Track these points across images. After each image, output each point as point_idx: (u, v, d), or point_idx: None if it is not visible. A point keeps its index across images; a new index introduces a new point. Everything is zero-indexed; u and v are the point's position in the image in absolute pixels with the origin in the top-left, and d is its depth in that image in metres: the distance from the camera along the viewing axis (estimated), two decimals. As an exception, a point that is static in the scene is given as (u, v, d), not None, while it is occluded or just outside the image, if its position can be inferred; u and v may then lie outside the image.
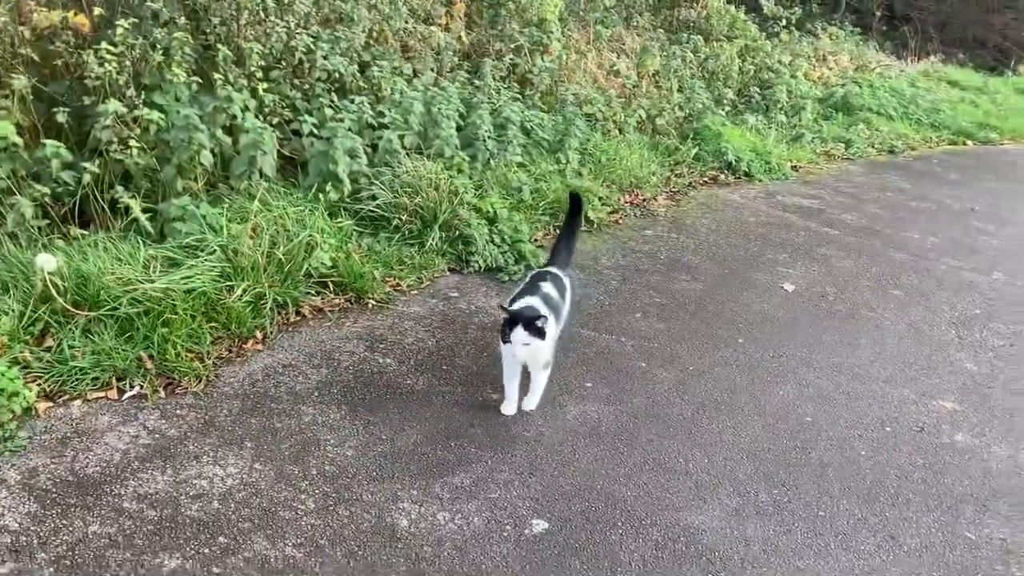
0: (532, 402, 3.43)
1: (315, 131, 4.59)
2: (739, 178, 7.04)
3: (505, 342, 3.11)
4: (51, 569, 2.36)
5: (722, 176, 6.99)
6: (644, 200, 6.20)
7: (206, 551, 2.50)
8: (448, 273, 4.59)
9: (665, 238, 5.59)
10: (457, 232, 4.66)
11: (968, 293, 5.24)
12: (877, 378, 4.06)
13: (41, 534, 2.48)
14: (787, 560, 2.79)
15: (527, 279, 3.60)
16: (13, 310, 3.21)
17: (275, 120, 4.70)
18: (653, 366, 3.94)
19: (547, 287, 3.44)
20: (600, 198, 5.77)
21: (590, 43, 8.00)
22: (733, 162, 7.07)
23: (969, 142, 9.59)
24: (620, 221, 5.79)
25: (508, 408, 3.38)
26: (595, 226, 5.56)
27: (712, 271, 5.14)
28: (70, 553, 2.43)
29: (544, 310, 3.22)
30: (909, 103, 10.12)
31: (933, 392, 3.99)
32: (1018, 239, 6.41)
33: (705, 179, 6.90)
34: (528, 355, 3.16)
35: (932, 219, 6.70)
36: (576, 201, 4.10)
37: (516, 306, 3.23)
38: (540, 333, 3.08)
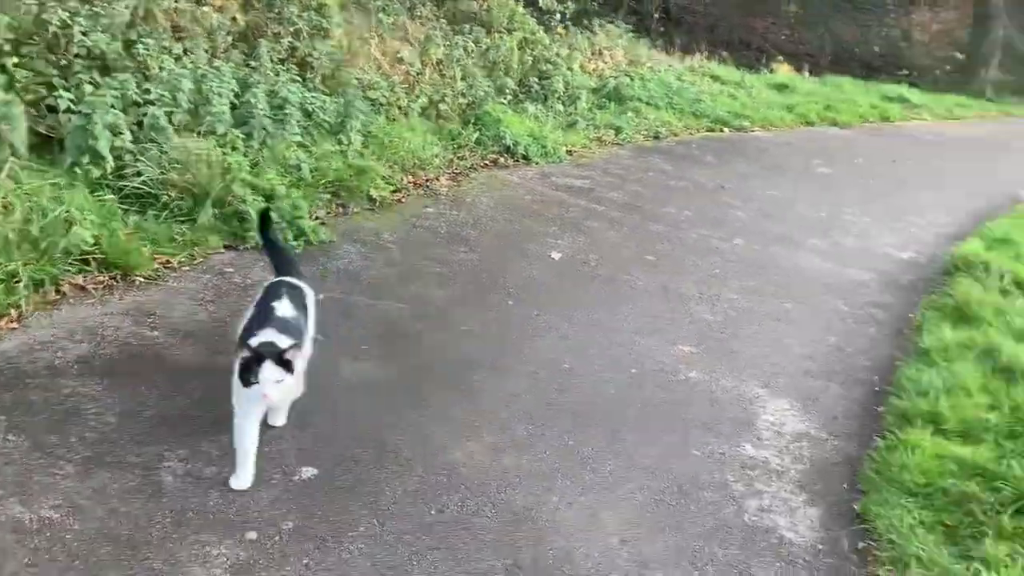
0: (281, 417, 3.11)
1: (72, 107, 4.42)
2: (517, 161, 7.45)
3: (250, 384, 2.63)
4: None
5: (502, 159, 7.37)
6: (427, 180, 6.43)
7: (-50, 520, 2.43)
8: (224, 250, 4.57)
9: (446, 215, 5.85)
10: (232, 208, 4.66)
11: (712, 257, 5.90)
12: (628, 330, 4.52)
13: None
14: (537, 482, 3.11)
15: (260, 296, 3.14)
16: None
17: (28, 96, 4.47)
18: (428, 328, 4.17)
19: (283, 307, 2.97)
20: (383, 178, 5.93)
21: (372, 30, 8.13)
22: (512, 146, 7.46)
23: (725, 129, 10.62)
24: (403, 200, 5.99)
25: (243, 480, 2.78)
26: (378, 204, 5.72)
27: (488, 243, 5.45)
28: None
29: (284, 339, 2.74)
30: (674, 94, 11.03)
31: (675, 339, 4.50)
32: (759, 211, 7.25)
33: (486, 162, 7.23)
34: (282, 394, 2.76)
35: (688, 196, 7.42)
36: (264, 217, 3.75)
37: (255, 337, 2.74)
38: (290, 366, 2.66)
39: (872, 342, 4.79)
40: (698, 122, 10.50)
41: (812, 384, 4.20)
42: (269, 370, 2.60)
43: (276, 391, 2.65)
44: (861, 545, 3.06)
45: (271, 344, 2.68)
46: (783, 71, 16.43)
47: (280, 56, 6.47)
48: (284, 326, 2.85)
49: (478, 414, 3.49)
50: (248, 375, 2.61)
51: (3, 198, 3.74)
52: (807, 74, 16.13)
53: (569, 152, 8.10)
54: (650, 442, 3.50)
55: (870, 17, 22.32)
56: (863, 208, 7.65)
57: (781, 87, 13.97)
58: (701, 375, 4.14)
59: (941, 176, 9.68)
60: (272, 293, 3.08)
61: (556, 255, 5.43)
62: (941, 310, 5.11)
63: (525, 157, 7.50)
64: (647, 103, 10.34)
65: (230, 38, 6.19)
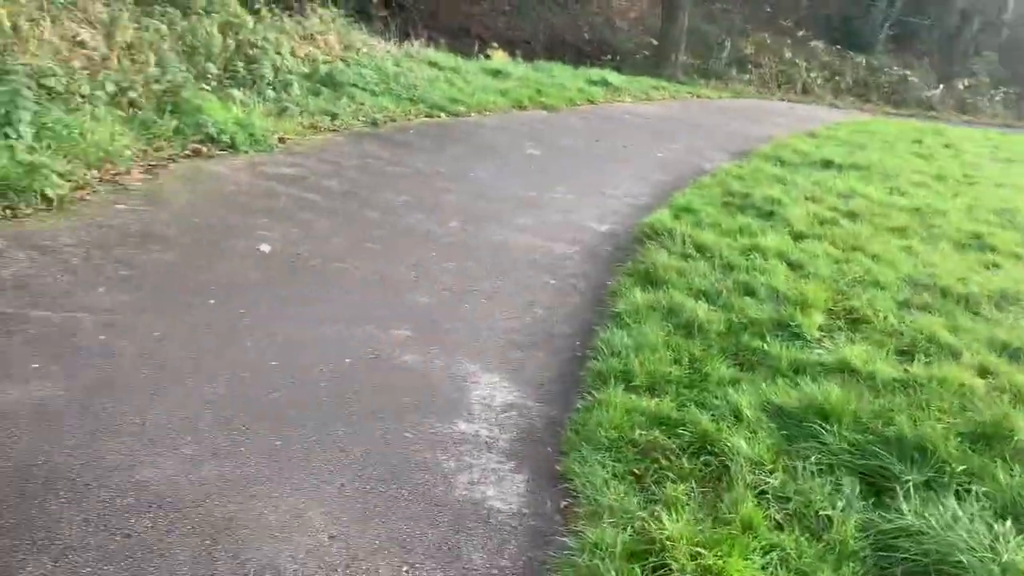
0: None
1: None
2: (223, 150, 7.03)
3: None
4: None
5: (205, 149, 6.91)
6: (116, 175, 5.87)
7: None
8: None
9: (139, 211, 5.38)
10: None
11: (428, 241, 5.97)
12: (342, 320, 4.44)
13: None
14: (239, 490, 2.95)
15: None
16: None
17: None
18: (114, 338, 3.80)
19: None
20: (60, 174, 5.32)
21: (45, 10, 7.26)
22: (216, 134, 7.03)
23: (442, 114, 10.81)
24: (87, 198, 5.42)
25: None
26: (55, 204, 5.13)
27: (187, 241, 5.09)
28: None
29: None
30: (391, 80, 11.03)
31: (391, 325, 4.49)
32: (471, 193, 7.45)
33: (187, 152, 6.75)
34: None
35: (405, 181, 7.44)
36: None
37: None
38: None
39: (574, 310, 5.11)
40: (415, 108, 10.58)
41: (519, 355, 4.39)
42: None
43: None
44: (563, 504, 3.24)
45: None
46: (498, 57, 17.09)
47: (-81, 38, 5.57)
48: None
49: (172, 426, 3.24)
50: None
51: None
52: (520, 60, 16.87)
53: (281, 140, 7.80)
54: (363, 431, 3.46)
55: (577, 5, 23.91)
56: (568, 186, 8.14)
57: (496, 73, 14.49)
58: (416, 358, 4.17)
59: (638, 153, 10.56)
60: None
61: (265, 248, 5.20)
62: (633, 276, 5.56)
63: (232, 146, 7.11)
64: (363, 89, 10.25)
65: None
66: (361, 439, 3.40)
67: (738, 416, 3.79)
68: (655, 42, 21.80)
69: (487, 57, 17.06)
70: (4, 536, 2.51)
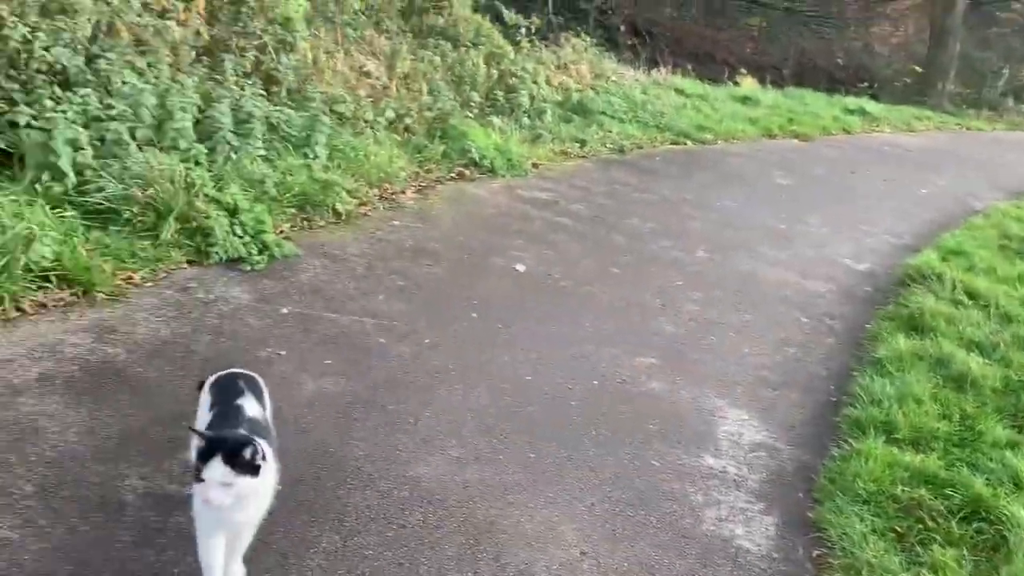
0: (239, 570, 2.44)
1: (32, 123, 4.39)
2: (483, 174, 7.50)
3: (197, 481, 2.14)
4: None
5: (468, 172, 7.42)
6: (393, 194, 6.46)
7: (-95, 542, 2.42)
8: (186, 265, 4.56)
9: (411, 228, 5.88)
10: (195, 224, 4.65)
11: (674, 269, 5.99)
12: (591, 342, 4.58)
13: None
14: (500, 496, 3.15)
15: (212, 388, 2.60)
16: None
17: (-12, 111, 4.45)
18: (391, 342, 4.19)
19: (250, 406, 2.50)
20: (348, 191, 5.94)
21: (339, 44, 8.15)
22: (477, 159, 7.51)
23: (688, 142, 10.78)
24: (369, 213, 6.01)
25: None
26: (343, 218, 5.74)
27: (453, 256, 5.49)
28: None
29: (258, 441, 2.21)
30: (639, 108, 11.18)
31: (637, 351, 4.57)
32: (718, 222, 7.37)
33: (452, 175, 7.28)
34: (232, 504, 2.14)
35: (651, 208, 7.52)
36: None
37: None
38: (251, 468, 2.13)
39: (829, 352, 4.90)
40: (662, 135, 10.63)
41: (770, 394, 4.29)
42: (217, 468, 2.09)
43: (222, 499, 2.10)
44: (816, 553, 3.13)
45: (230, 433, 2.24)
46: (747, 84, 16.69)
47: (245, 70, 6.47)
48: (252, 425, 2.39)
49: (441, 428, 3.52)
50: (196, 472, 2.14)
51: (-39, 215, 3.71)
52: (770, 87, 16.38)
53: (535, 165, 8.17)
54: (611, 454, 3.56)
55: (832, 30, 22.79)
56: (821, 218, 7.81)
57: (744, 100, 14.18)
58: (662, 386, 4.21)
59: (898, 187, 9.88)
60: (229, 386, 2.57)
61: (521, 268, 5.49)
62: (896, 320, 5.24)
63: (491, 170, 7.56)
64: (612, 116, 10.46)
65: (194, 52, 6.17)
66: (609, 461, 3.50)
67: (1017, 483, 3.47)
68: (919, 69, 20.24)
69: (735, 84, 16.72)
70: (304, 512, 2.87)
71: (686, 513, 3.24)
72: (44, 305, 3.85)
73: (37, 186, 4.22)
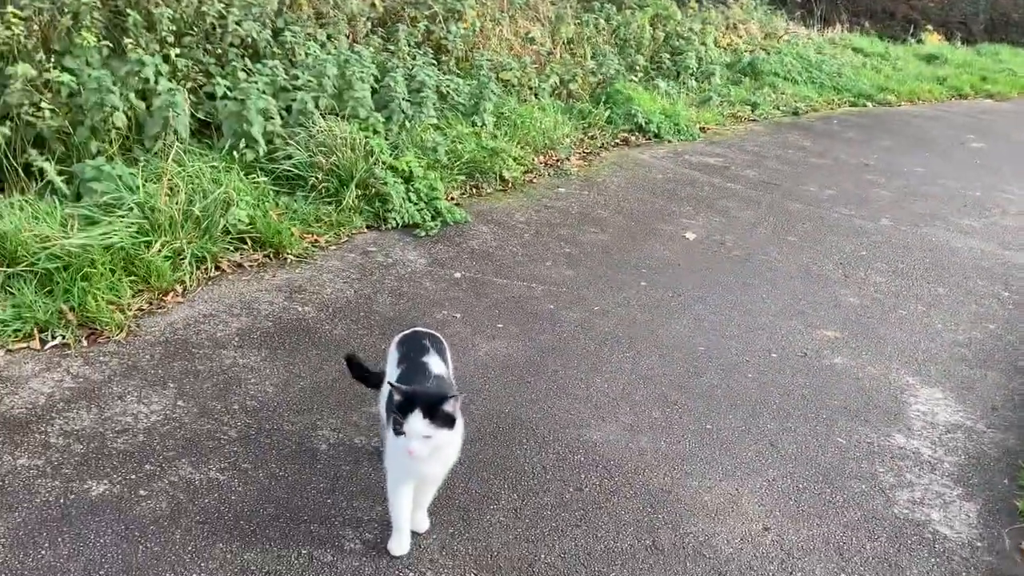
0: (423, 521, 2.58)
1: (228, 93, 4.68)
2: (649, 139, 7.35)
3: (397, 434, 2.22)
4: (-19, 498, 2.49)
5: (633, 137, 7.29)
6: (558, 160, 6.44)
7: (132, 477, 2.65)
8: (366, 230, 4.75)
9: (576, 195, 5.85)
10: (373, 190, 4.82)
11: (857, 238, 5.64)
12: (767, 313, 4.40)
13: (-31, 468, 2.60)
14: (675, 465, 3.08)
15: (399, 345, 2.65)
16: (-70, 266, 3.27)
17: (188, 84, 4.78)
18: (560, 307, 4.19)
19: (435, 363, 2.54)
20: (515, 158, 5.98)
21: (504, 11, 8.18)
22: (643, 124, 7.36)
23: (869, 104, 10.11)
24: (534, 180, 6.03)
25: (400, 546, 2.46)
26: (510, 185, 5.78)
27: (619, 223, 5.42)
28: (0, 483, 2.56)
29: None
30: (814, 68, 10.58)
31: (818, 323, 4.35)
32: (905, 190, 6.87)
33: (617, 140, 7.18)
34: (428, 456, 2.23)
35: (829, 173, 7.11)
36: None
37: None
38: (449, 420, 2.22)
39: (1036, 330, 4.47)
40: (839, 96, 10.05)
41: (968, 373, 3.97)
42: (417, 422, 2.16)
43: (422, 451, 2.19)
44: (1024, 545, 2.88)
45: (427, 387, 2.33)
46: (932, 41, 15.46)
47: (416, 40, 6.62)
48: (440, 386, 2.44)
49: (613, 394, 3.49)
50: (396, 423, 2.20)
51: (169, 180, 4.01)
52: (959, 44, 15.09)
53: (703, 129, 7.92)
54: (792, 429, 3.40)
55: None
56: (1023, 185, 7.11)
57: (930, 58, 13.17)
58: (846, 361, 3.98)
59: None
60: (415, 342, 2.63)
61: (690, 235, 5.34)
62: (1117, 296, 4.70)
63: (657, 135, 7.39)
64: (784, 78, 9.98)
65: (369, 24, 6.38)
66: (790, 436, 3.35)
67: None
68: None
69: (919, 41, 15.52)
70: (484, 469, 2.93)
71: (875, 494, 3.05)
72: (240, 265, 4.12)
73: (233, 153, 4.50)
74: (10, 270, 3.41)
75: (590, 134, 7.08)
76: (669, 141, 7.38)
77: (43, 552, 2.33)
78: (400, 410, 2.18)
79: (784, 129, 8.45)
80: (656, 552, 2.64)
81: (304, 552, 2.45)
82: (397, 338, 2.72)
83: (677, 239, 5.27)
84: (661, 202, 5.91)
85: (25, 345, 3.25)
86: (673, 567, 2.58)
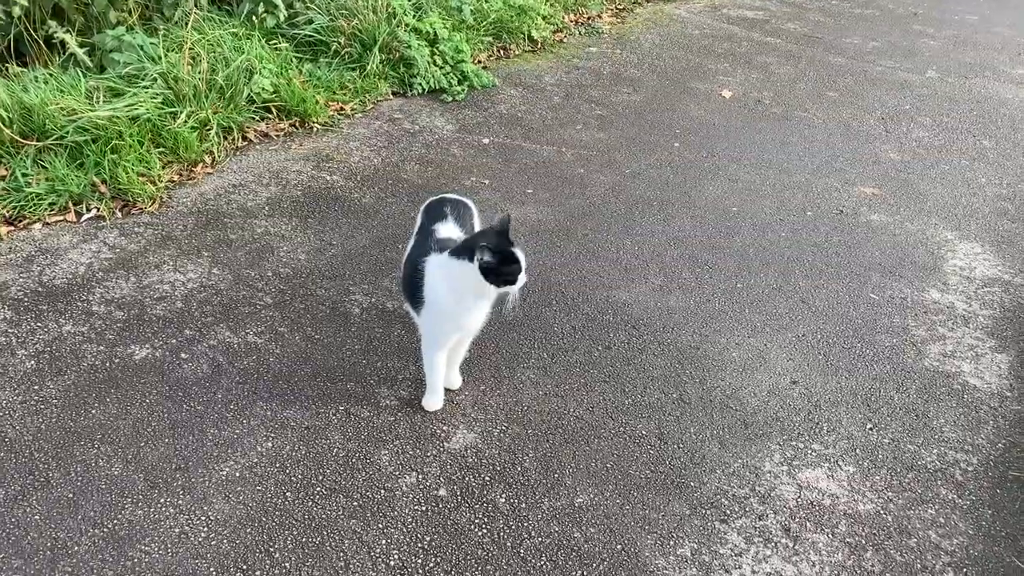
0: (456, 378, 2.68)
1: (245, -44, 4.52)
2: (685, -7, 7.01)
3: (506, 283, 2.26)
4: (32, 362, 2.60)
5: (668, -8, 6.95)
6: (589, 18, 6.19)
7: (173, 341, 2.74)
8: (391, 96, 4.66)
9: (608, 54, 5.65)
10: (398, 55, 4.70)
11: (901, 91, 5.41)
12: (803, 170, 4.29)
13: (19, 335, 2.71)
14: (704, 323, 3.10)
15: (423, 212, 2.65)
16: (-38, 142, 3.31)
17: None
18: (591, 172, 4.13)
19: (446, 229, 2.52)
20: (544, 17, 5.76)
21: None
22: (679, -23, 7.00)
23: (922, -52, 9.45)
24: (564, 40, 5.82)
25: (435, 403, 2.57)
26: (539, 45, 5.59)
27: (653, 83, 5.24)
28: (48, 348, 2.66)
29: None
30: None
31: (856, 180, 4.24)
32: (954, 39, 6.51)
33: (651, -4, 6.86)
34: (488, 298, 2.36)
35: (874, 24, 6.75)
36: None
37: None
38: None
39: (1086, 182, 4.31)
40: (890, -60, 9.38)
41: (1009, 227, 3.87)
42: (523, 274, 2.26)
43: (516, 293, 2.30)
44: (1055, 395, 2.88)
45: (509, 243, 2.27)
46: None
47: None
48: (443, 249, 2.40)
49: (643, 256, 3.48)
50: (501, 273, 2.23)
51: (190, 49, 3.94)
52: None
53: (741, -19, 7.51)
54: (824, 286, 3.38)
55: None
56: (1086, 31, 6.70)
57: None
58: (884, 217, 3.90)
59: None
60: (435, 213, 2.60)
61: (727, 93, 5.16)
62: None
63: (693, -11, 7.04)
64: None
65: None
66: (822, 293, 3.33)
67: None
68: None
69: None
70: (514, 330, 2.97)
71: (906, 347, 3.06)
72: (267, 135, 4.10)
73: (253, 19, 4.39)
74: (40, 144, 3.43)
75: (622, -11, 6.76)
76: (706, -5, 7.03)
77: (93, 411, 2.45)
78: (502, 263, 2.21)
79: (829, -22, 7.98)
80: (683, 404, 2.69)
81: (341, 409, 2.54)
82: (424, 204, 2.70)
83: (713, 98, 5.09)
84: (697, 59, 5.68)
85: (61, 218, 3.31)
86: (699, 418, 2.64)
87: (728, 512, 2.32)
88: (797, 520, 2.32)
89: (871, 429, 2.67)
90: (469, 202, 2.71)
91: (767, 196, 4.02)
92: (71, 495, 2.19)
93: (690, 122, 4.75)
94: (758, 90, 5.23)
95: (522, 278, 2.27)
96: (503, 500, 2.30)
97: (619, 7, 6.51)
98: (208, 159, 3.80)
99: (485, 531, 2.20)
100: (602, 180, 4.06)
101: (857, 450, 2.58)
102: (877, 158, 4.49)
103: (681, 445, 2.53)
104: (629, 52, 5.69)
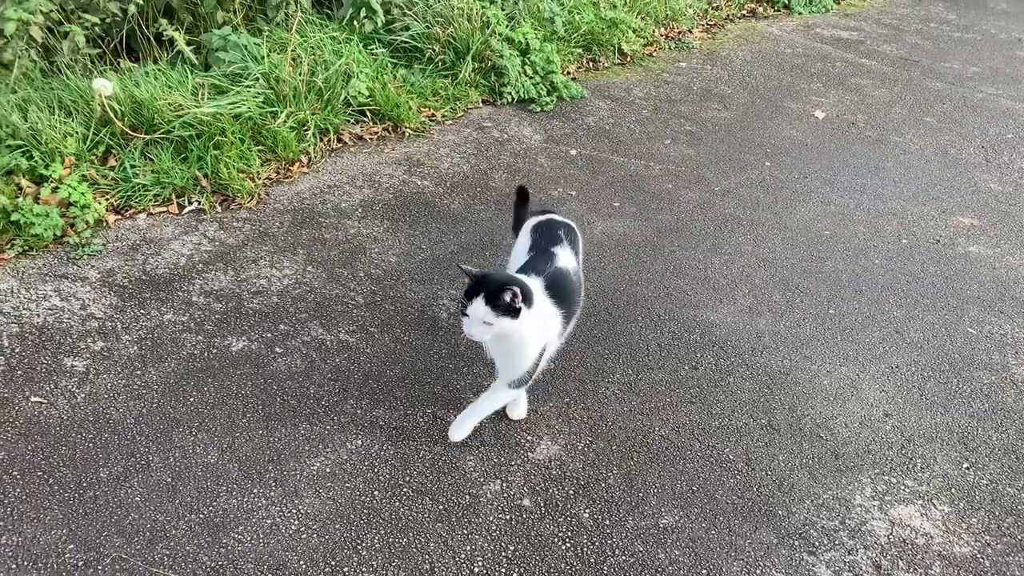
0: (518, 410, 2.59)
1: (347, -38, 4.62)
2: (778, 11, 6.90)
3: (463, 315, 2.18)
4: (135, 348, 2.70)
5: (760, 9, 6.85)
6: (679, 33, 6.15)
7: (268, 335, 2.81)
8: (481, 104, 4.70)
9: (699, 70, 5.60)
10: (490, 64, 4.74)
11: (1003, 119, 5.22)
12: (898, 197, 4.18)
13: (123, 321, 2.81)
14: (795, 348, 3.04)
15: (532, 231, 2.61)
16: (77, 132, 3.45)
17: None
18: (679, 187, 4.09)
19: (564, 255, 2.48)
20: (634, 30, 5.74)
21: None
22: (773, -6, 6.91)
23: (1027, -29, 9.12)
24: (654, 53, 5.79)
25: (455, 433, 2.42)
26: (628, 59, 5.58)
27: (744, 101, 5.17)
28: (150, 335, 2.76)
29: (537, 286, 2.28)
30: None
31: (954, 209, 4.11)
32: (1064, 68, 6.26)
33: (743, 12, 6.77)
34: (493, 341, 2.25)
35: (975, 49, 6.53)
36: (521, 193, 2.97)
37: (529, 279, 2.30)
38: (511, 310, 2.13)
39: None
40: (994, -38, 9.08)
41: (1121, 267, 3.70)
42: (479, 307, 2.11)
43: (481, 332, 2.15)
44: None
45: (493, 278, 2.16)
46: None
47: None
48: (557, 279, 2.36)
49: (731, 276, 3.43)
50: (461, 305, 2.18)
51: (292, 51, 4.04)
52: None
53: (836, 1, 7.36)
54: (919, 317, 3.28)
55: None
56: None
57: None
58: (983, 249, 3.77)
59: None
60: (550, 235, 2.55)
61: (819, 114, 5.06)
62: None
63: (787, 6, 6.93)
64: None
65: None
66: (917, 324, 3.23)
67: None
68: None
69: None
70: (599, 344, 2.96)
71: (1006, 386, 2.94)
72: (361, 138, 4.18)
73: (353, 23, 4.49)
74: (148, 137, 3.56)
75: (714, 4, 6.69)
76: (800, 13, 6.90)
77: (191, 399, 2.53)
78: (467, 294, 2.14)
79: (926, 0, 7.76)
80: (771, 431, 2.64)
81: (429, 412, 2.57)
82: (531, 222, 2.70)
83: (805, 118, 5.00)
84: (789, 78, 5.59)
85: (164, 209, 3.43)
86: (788, 446, 2.59)
87: (817, 544, 2.27)
88: (888, 557, 2.25)
89: (968, 468, 2.57)
90: (574, 226, 2.69)
91: (860, 221, 3.93)
92: (169, 479, 2.26)
93: (782, 141, 4.67)
94: (852, 112, 5.11)
95: (476, 315, 2.12)
96: (587, 515, 2.29)
97: (710, 23, 6.45)
98: (304, 159, 3.89)
99: (569, 545, 2.20)
100: (690, 196, 4.02)
101: (952, 489, 2.50)
102: (976, 187, 4.34)
103: (769, 472, 2.49)
104: (720, 68, 5.63)
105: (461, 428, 2.42)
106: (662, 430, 2.61)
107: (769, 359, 2.97)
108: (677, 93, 5.19)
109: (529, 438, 2.53)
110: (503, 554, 2.15)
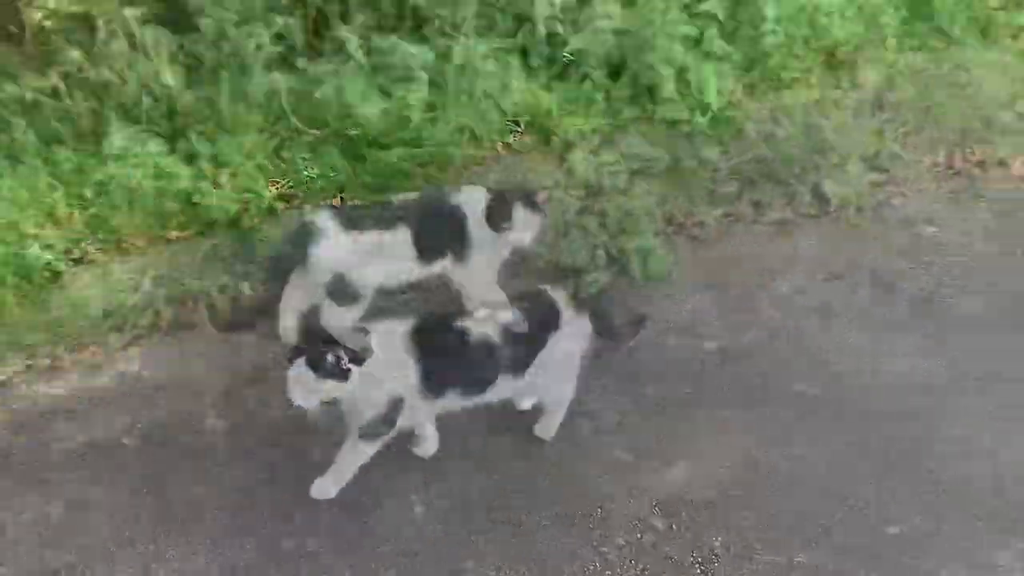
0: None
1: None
2: None
3: None
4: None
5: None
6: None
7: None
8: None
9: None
10: (644, 82, 4.73)
11: None
12: None
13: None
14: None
15: None
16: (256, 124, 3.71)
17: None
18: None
19: None
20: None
21: None
22: None
23: None
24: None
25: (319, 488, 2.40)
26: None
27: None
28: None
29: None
30: None
31: None
32: None
33: None
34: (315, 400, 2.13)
35: None
36: None
37: None
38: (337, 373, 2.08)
39: None
40: None
41: None
42: (298, 365, 2.07)
43: (298, 392, 2.08)
44: None
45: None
46: None
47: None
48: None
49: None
50: None
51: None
52: None
53: None
54: None
55: None
56: None
57: None
58: None
59: None
60: None
61: None
62: None
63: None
64: None
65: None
66: None
67: None
68: None
69: None
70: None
71: None
72: (508, 146, 4.28)
73: (519, 35, 4.59)
74: (318, 132, 3.79)
75: None
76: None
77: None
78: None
79: None
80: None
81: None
82: None
83: None
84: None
85: (327, 203, 3.63)
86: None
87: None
88: None
89: None
90: None
91: None
92: None
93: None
94: None
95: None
96: (718, 543, 2.27)
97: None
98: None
99: (700, 571, 2.19)
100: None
101: None
102: None
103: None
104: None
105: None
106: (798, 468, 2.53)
107: None
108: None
109: (663, 458, 2.51)
110: (631, 572, 2.17)
